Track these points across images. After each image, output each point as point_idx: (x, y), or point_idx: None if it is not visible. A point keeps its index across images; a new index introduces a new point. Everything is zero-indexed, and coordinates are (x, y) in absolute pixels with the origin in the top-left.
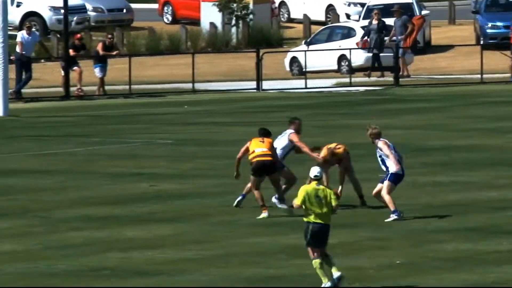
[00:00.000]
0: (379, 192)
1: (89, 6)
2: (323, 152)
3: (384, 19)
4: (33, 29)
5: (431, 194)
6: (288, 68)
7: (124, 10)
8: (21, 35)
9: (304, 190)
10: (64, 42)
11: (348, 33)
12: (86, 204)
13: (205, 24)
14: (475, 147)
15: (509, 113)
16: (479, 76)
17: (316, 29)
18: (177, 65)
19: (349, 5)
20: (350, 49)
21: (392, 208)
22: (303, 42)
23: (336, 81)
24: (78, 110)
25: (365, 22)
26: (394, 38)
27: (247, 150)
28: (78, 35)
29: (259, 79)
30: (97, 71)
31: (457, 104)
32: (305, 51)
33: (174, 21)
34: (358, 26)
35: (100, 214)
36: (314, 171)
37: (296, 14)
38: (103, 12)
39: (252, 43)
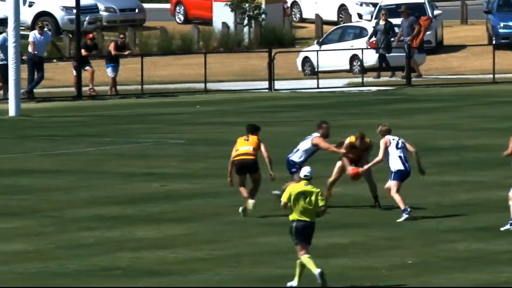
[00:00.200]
0: (388, 189)
1: (101, 6)
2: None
3: (397, 19)
4: (45, 29)
5: (441, 194)
6: (300, 68)
7: (136, 10)
8: (33, 35)
9: (290, 188)
10: (76, 42)
11: (360, 33)
12: (97, 204)
13: (217, 24)
14: (485, 146)
15: None
16: (491, 76)
17: (328, 29)
18: (189, 65)
19: (361, 5)
20: (362, 49)
21: (402, 207)
22: (315, 42)
23: (348, 81)
24: (90, 110)
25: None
26: (402, 38)
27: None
28: (90, 35)
29: (271, 79)
30: (109, 71)
31: (468, 104)
32: (317, 51)
33: (186, 21)
34: (370, 26)
35: (111, 214)
36: (305, 171)
37: (308, 14)
38: (115, 12)
39: (264, 43)
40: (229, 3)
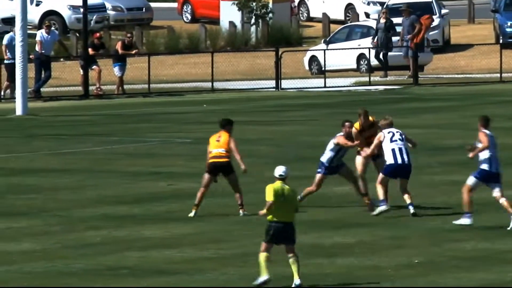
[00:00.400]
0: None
1: (108, 5)
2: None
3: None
4: (53, 28)
5: (448, 193)
6: (307, 67)
7: (144, 9)
8: (41, 34)
9: (272, 187)
10: (83, 41)
11: (368, 32)
12: (104, 203)
13: (224, 23)
14: None
15: None
16: (498, 75)
17: (335, 28)
18: (196, 64)
19: (368, 4)
20: (369, 48)
21: (380, 197)
22: (322, 41)
23: (355, 80)
24: (97, 109)
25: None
26: (405, 37)
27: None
28: (97, 34)
29: (278, 78)
30: (116, 70)
31: (475, 103)
32: (324, 50)
33: (194, 20)
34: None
35: (118, 213)
36: (279, 170)
37: (315, 13)
38: (123, 11)
39: (271, 42)
40: (236, 2)
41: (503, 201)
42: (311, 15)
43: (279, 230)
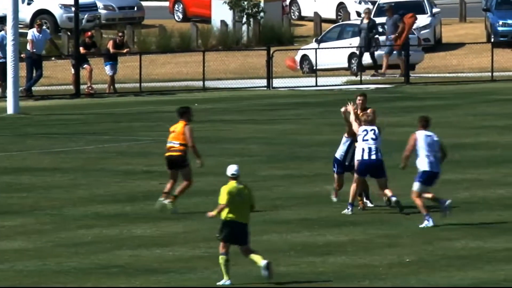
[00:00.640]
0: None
1: (99, 4)
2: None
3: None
4: (44, 27)
5: (440, 192)
6: (298, 66)
7: (135, 8)
8: (32, 33)
9: (226, 189)
10: (75, 40)
11: (359, 31)
12: (96, 202)
13: (216, 22)
14: (485, 144)
15: None
16: (489, 74)
17: (326, 27)
18: (188, 63)
19: (360, 3)
20: (360, 47)
21: (350, 200)
22: (313, 40)
23: (346, 79)
24: (88, 108)
25: (376, 20)
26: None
27: None
28: (89, 33)
29: (269, 77)
30: (107, 69)
31: (467, 102)
32: (315, 49)
33: (185, 19)
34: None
35: (110, 211)
36: (231, 169)
37: (307, 12)
38: (114, 10)
39: (263, 41)
40: (227, 1)
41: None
42: (303, 14)
43: (235, 230)
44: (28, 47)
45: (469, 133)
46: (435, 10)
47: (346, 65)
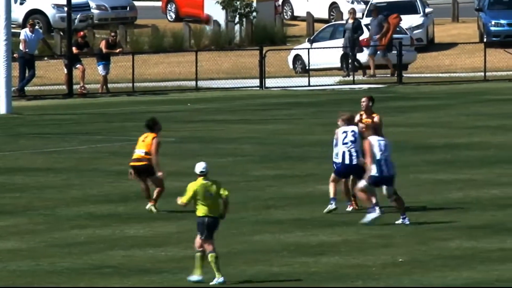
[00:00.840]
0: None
1: (92, 4)
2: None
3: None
4: (36, 27)
5: (433, 192)
6: (291, 66)
7: (128, 8)
8: (24, 32)
9: (192, 187)
10: (67, 40)
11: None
12: (89, 202)
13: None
14: (478, 144)
15: None
16: (482, 74)
17: (319, 26)
18: (180, 63)
19: (352, 2)
20: (353, 47)
21: (331, 195)
22: (306, 40)
23: (339, 79)
24: (81, 108)
25: (368, 20)
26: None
27: None
28: (81, 33)
29: (262, 77)
30: (100, 69)
31: (460, 102)
32: (308, 48)
33: (178, 18)
34: (361, 24)
35: (103, 212)
36: (200, 166)
37: (299, 11)
38: (107, 10)
39: (255, 41)
40: (220, 0)
41: (392, 201)
42: (295, 14)
43: (211, 224)
44: (21, 47)
45: (462, 133)
46: (427, 10)
47: (338, 65)
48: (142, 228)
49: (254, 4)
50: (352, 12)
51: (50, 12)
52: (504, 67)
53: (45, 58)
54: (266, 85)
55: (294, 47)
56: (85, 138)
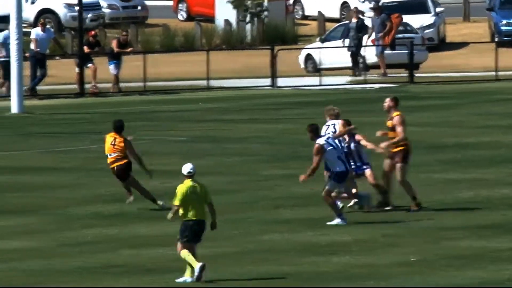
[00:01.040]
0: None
1: (103, 3)
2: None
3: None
4: (48, 26)
5: (444, 191)
6: (302, 65)
7: (139, 7)
8: (36, 32)
9: (181, 190)
10: (79, 39)
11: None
12: (99, 201)
13: (219, 21)
14: (488, 144)
15: None
16: (493, 73)
17: (330, 26)
18: (192, 62)
19: (363, 2)
20: (365, 46)
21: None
22: (317, 39)
23: (351, 78)
24: (92, 107)
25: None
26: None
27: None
28: (93, 32)
29: (273, 76)
30: (111, 68)
31: (471, 101)
32: (319, 48)
33: (189, 18)
34: (365, 23)
35: (112, 211)
36: (187, 167)
37: (310, 11)
38: (118, 9)
39: (266, 40)
40: (231, 0)
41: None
42: (306, 13)
43: (196, 228)
44: (32, 46)
45: (473, 132)
46: (438, 9)
47: (350, 64)
48: (151, 227)
49: (265, 3)
50: (356, 11)
51: (62, 12)
52: None
53: (57, 57)
54: (278, 85)
55: (306, 47)
56: (97, 138)
